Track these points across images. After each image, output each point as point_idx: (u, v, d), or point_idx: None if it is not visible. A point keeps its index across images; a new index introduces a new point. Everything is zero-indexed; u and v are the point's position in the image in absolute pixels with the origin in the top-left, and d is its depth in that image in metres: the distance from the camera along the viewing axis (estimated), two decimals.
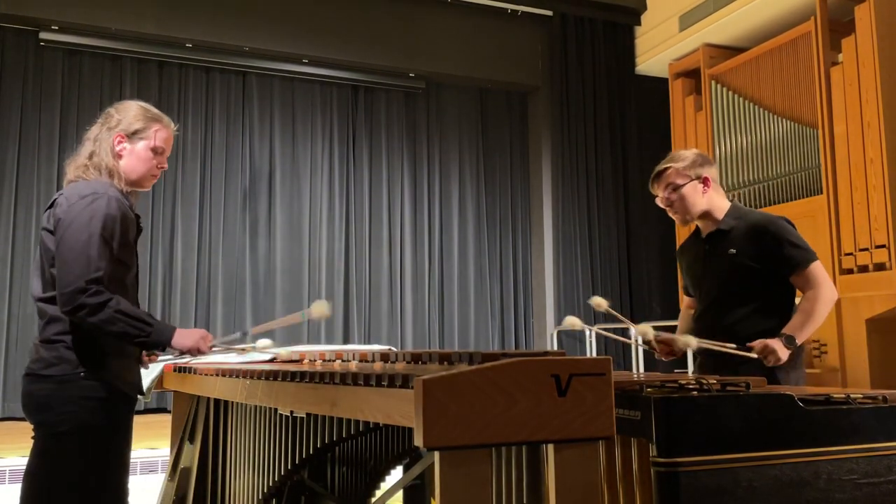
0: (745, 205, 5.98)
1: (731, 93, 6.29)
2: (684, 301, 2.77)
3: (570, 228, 6.94)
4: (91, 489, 1.96)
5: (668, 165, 2.52)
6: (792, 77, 5.80)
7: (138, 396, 2.17)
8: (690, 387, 1.49)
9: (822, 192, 5.44)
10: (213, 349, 2.18)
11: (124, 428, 2.07)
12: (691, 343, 2.25)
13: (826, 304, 2.36)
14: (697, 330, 2.51)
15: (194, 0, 6.19)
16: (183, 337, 2.03)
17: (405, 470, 2.79)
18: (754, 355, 2.26)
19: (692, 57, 6.72)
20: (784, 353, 2.26)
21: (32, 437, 2.01)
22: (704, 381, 1.49)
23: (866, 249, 5.09)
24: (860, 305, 5.16)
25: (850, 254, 5.20)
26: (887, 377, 5.01)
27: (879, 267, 5.01)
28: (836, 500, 1.40)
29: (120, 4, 5.97)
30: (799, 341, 2.29)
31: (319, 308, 2.25)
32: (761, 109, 6.00)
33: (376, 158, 7.01)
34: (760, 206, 5.94)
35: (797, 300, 2.48)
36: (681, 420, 1.35)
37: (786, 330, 2.31)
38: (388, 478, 2.74)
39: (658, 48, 7.02)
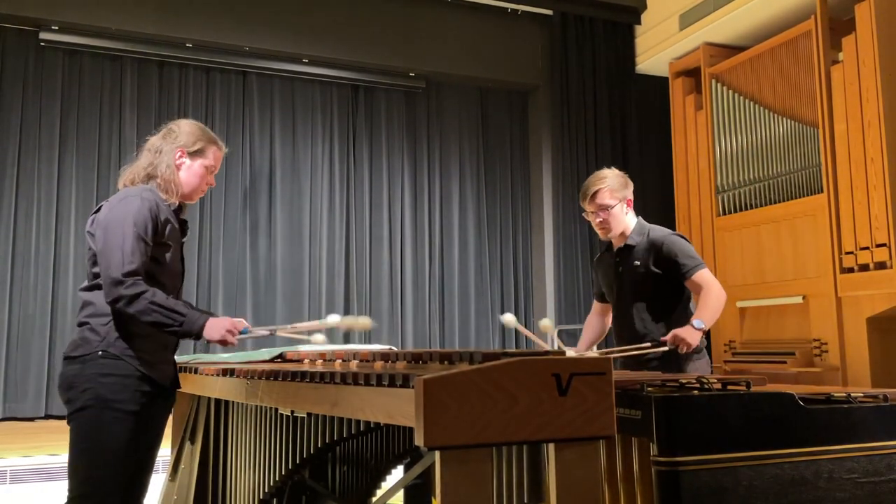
0: (748, 204, 6.04)
1: (731, 92, 6.28)
2: (593, 307, 3.14)
3: (571, 227, 6.94)
4: (113, 464, 2.03)
5: (604, 186, 2.81)
6: (792, 76, 5.80)
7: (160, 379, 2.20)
8: (691, 386, 1.50)
9: (822, 191, 5.44)
10: (246, 336, 2.24)
11: (148, 408, 2.12)
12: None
13: (718, 299, 2.67)
14: (616, 332, 2.91)
15: (194, 0, 6.20)
16: (211, 329, 2.11)
17: (406, 469, 2.79)
18: (667, 347, 2.56)
19: (692, 56, 6.72)
20: (694, 338, 2.56)
21: (67, 421, 2.11)
22: (705, 381, 1.49)
23: (867, 248, 5.09)
24: (861, 304, 5.16)
25: (851, 252, 5.20)
26: (888, 376, 5.01)
27: (880, 266, 5.01)
28: (836, 498, 1.40)
29: (120, 4, 5.97)
30: (706, 325, 2.60)
31: (362, 322, 2.43)
32: (762, 108, 6.00)
33: (376, 158, 7.01)
34: (761, 206, 5.94)
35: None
36: (681, 419, 1.35)
37: (694, 317, 2.63)
38: (388, 477, 2.74)
39: (658, 47, 7.02)
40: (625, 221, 2.86)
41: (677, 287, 2.77)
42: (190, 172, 2.29)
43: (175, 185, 2.25)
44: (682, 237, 2.82)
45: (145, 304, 2.04)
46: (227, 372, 2.31)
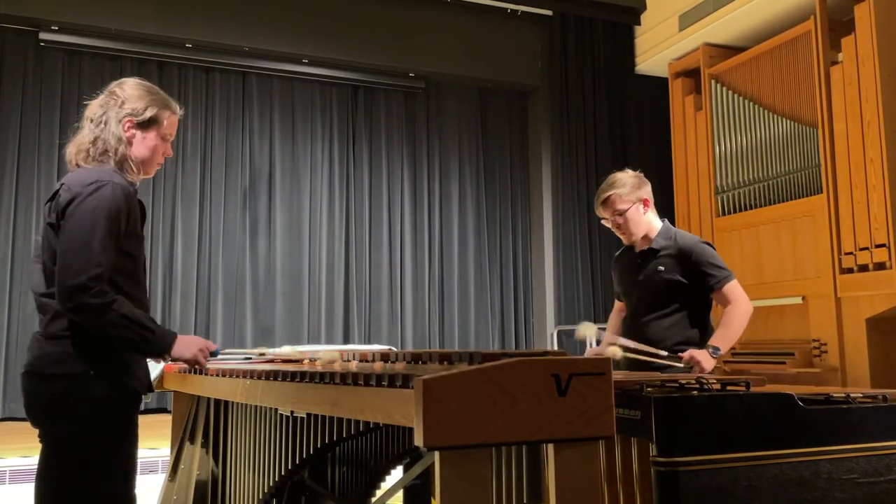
0: (747, 204, 6.04)
1: (730, 92, 6.29)
2: (616, 305, 3.08)
3: (570, 227, 6.94)
4: (105, 490, 1.88)
5: (613, 192, 2.76)
6: (792, 76, 5.80)
7: (147, 393, 2.08)
8: (691, 386, 1.50)
9: (821, 192, 5.44)
10: (216, 358, 2.12)
11: (134, 427, 1.99)
12: (616, 354, 2.43)
13: (743, 318, 2.64)
14: (627, 335, 2.81)
15: (194, 0, 6.19)
16: (183, 347, 1.94)
17: (405, 470, 2.80)
18: (681, 364, 2.51)
19: (692, 56, 6.72)
20: (709, 364, 2.50)
21: (40, 439, 1.91)
22: (705, 381, 1.49)
23: (866, 249, 5.08)
24: (860, 305, 5.16)
25: (850, 253, 5.20)
26: (887, 376, 5.01)
27: (879, 266, 5.01)
28: (835, 499, 1.40)
29: (120, 5, 5.97)
30: (722, 351, 2.56)
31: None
32: (761, 109, 6.00)
33: (376, 158, 7.01)
34: (761, 206, 5.94)
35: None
36: (681, 419, 1.35)
37: (711, 342, 2.58)
38: (388, 478, 2.74)
39: (658, 48, 7.02)
40: (645, 223, 2.78)
41: (701, 297, 2.71)
42: (144, 146, 1.98)
43: (132, 162, 1.96)
44: (710, 245, 2.76)
45: (113, 316, 1.78)
46: (227, 372, 2.31)
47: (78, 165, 1.97)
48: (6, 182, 5.84)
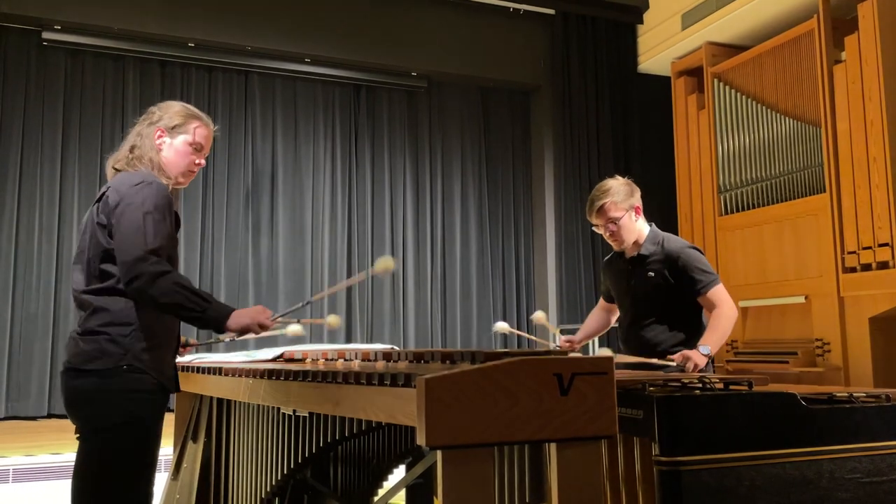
0: (750, 203, 6.03)
1: (733, 91, 6.28)
2: (599, 302, 3.18)
3: (573, 227, 6.94)
4: (138, 481, 1.95)
5: (608, 200, 2.76)
6: (795, 75, 5.79)
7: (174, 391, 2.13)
8: (693, 386, 1.49)
9: (824, 191, 5.43)
10: (275, 321, 2.11)
11: (159, 423, 2.04)
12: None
13: (729, 320, 2.66)
14: (623, 338, 2.90)
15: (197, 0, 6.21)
16: (240, 317, 1.97)
17: (408, 469, 2.80)
18: (674, 363, 2.54)
19: (695, 55, 6.71)
20: (701, 361, 2.54)
21: (76, 436, 1.97)
22: (707, 380, 1.49)
23: (869, 248, 5.08)
24: (863, 304, 5.16)
25: (854, 252, 5.19)
26: (890, 376, 5.01)
27: (882, 265, 5.00)
28: (838, 498, 1.40)
29: (122, 4, 5.97)
30: (711, 351, 2.59)
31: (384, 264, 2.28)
32: (764, 108, 5.99)
33: (378, 157, 7.01)
34: (763, 205, 5.93)
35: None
36: (683, 419, 1.35)
37: (700, 343, 2.62)
38: (390, 477, 2.75)
39: (660, 46, 7.01)
40: (636, 230, 2.81)
41: (692, 300, 2.72)
42: (172, 151, 2.13)
43: (163, 166, 2.11)
44: (697, 249, 2.78)
45: (169, 283, 1.87)
46: (230, 371, 2.31)
47: (117, 170, 2.12)
48: (9, 182, 5.85)
